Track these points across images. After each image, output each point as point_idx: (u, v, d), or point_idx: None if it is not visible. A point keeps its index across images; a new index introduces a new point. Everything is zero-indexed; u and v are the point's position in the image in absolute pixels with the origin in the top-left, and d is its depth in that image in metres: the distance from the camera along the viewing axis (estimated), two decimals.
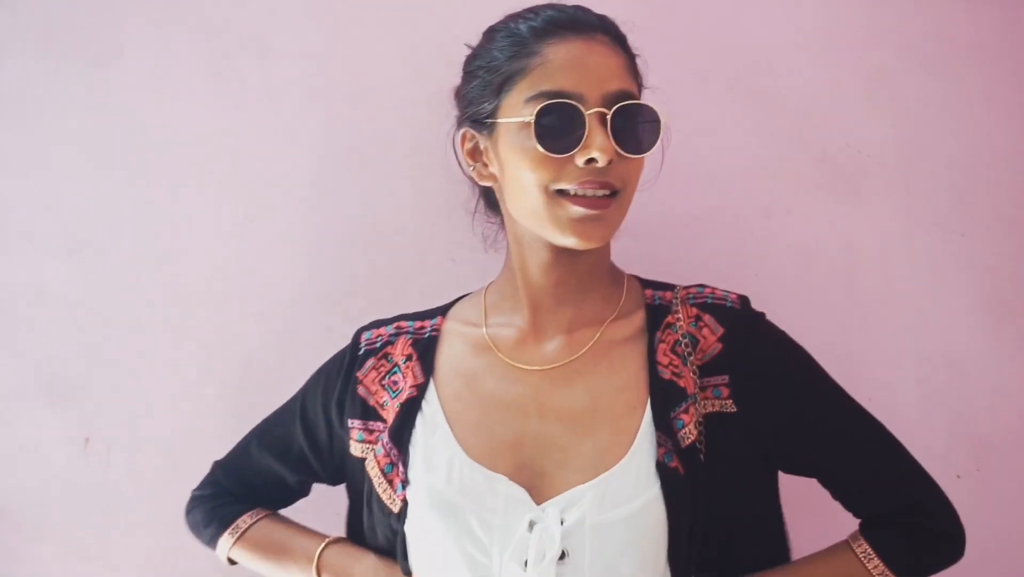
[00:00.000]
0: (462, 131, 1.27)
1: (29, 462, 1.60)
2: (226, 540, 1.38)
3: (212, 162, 1.63)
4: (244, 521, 1.39)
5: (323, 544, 1.34)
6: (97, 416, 1.60)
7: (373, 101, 1.63)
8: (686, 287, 1.30)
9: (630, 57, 1.24)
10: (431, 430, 1.25)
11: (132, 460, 1.60)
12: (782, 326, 1.31)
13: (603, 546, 1.15)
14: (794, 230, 1.65)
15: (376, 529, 1.29)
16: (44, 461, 1.60)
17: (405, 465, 1.24)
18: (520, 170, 1.17)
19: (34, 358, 1.61)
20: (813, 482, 1.30)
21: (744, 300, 1.28)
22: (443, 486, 1.20)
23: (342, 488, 1.38)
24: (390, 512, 1.25)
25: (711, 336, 1.24)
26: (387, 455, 1.27)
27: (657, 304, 1.28)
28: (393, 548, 1.27)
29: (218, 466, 1.47)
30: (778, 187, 1.66)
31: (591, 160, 1.14)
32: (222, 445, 1.56)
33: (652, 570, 1.17)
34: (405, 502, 1.23)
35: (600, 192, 1.16)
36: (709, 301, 1.27)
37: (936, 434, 1.62)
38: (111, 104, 1.63)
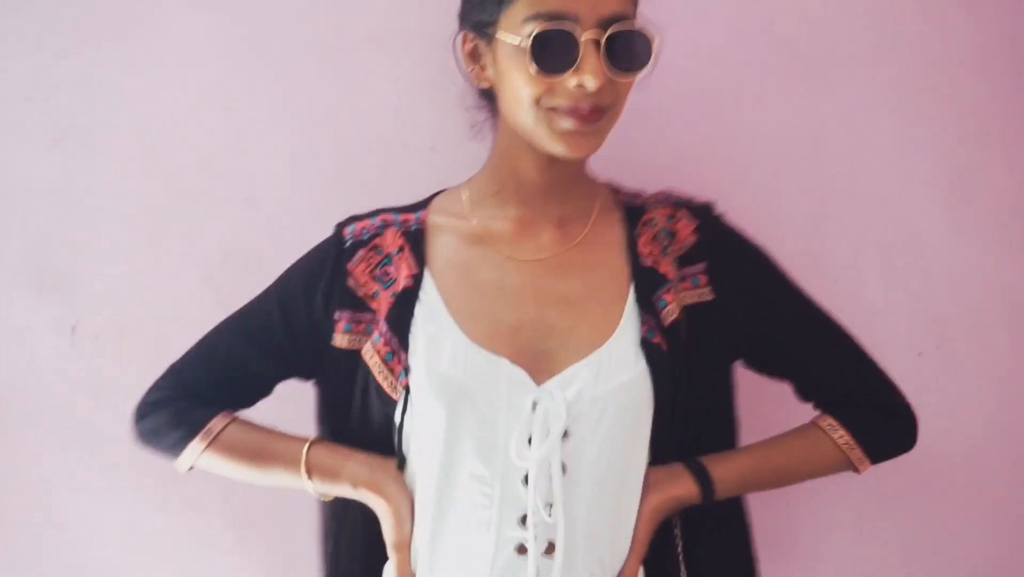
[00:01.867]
0: (462, 32, 1.29)
1: (16, 350, 1.61)
2: (196, 445, 1.32)
3: (195, 52, 1.61)
4: (216, 424, 1.32)
5: (307, 444, 1.31)
6: (83, 304, 1.61)
7: None
8: (653, 193, 1.38)
9: None
10: (431, 318, 1.27)
11: (118, 347, 1.62)
12: (750, 214, 1.39)
13: (600, 419, 1.22)
14: (763, 119, 1.69)
15: (371, 422, 1.30)
16: (31, 349, 1.61)
17: (406, 352, 1.27)
18: (515, 83, 1.21)
19: (19, 247, 1.61)
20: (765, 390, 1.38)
21: (709, 202, 1.37)
22: (448, 369, 1.23)
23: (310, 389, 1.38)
24: (389, 400, 1.27)
25: (686, 229, 1.34)
26: (387, 344, 1.28)
27: (633, 205, 1.37)
28: (385, 441, 1.28)
29: (175, 368, 1.39)
30: (747, 76, 1.69)
31: (582, 84, 1.18)
32: (206, 331, 1.60)
33: (640, 449, 1.25)
34: (407, 389, 1.26)
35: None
36: (679, 201, 1.37)
37: (899, 314, 1.70)
38: None
